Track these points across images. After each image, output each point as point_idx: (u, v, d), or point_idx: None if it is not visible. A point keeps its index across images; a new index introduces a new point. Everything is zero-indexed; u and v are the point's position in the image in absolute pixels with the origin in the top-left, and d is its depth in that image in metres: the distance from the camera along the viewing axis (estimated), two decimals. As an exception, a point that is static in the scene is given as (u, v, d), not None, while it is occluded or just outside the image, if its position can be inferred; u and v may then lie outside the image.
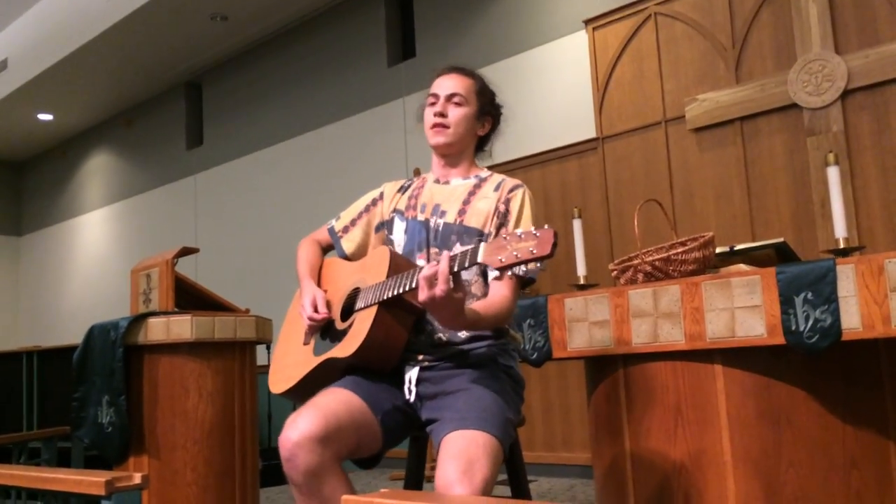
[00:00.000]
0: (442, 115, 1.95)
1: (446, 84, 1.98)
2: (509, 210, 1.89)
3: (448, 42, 5.85)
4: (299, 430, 1.59)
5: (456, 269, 1.55)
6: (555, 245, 1.41)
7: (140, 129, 8.73)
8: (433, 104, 1.98)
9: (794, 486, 1.92)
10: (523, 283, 1.85)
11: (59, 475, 1.74)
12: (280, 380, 1.96)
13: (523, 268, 1.46)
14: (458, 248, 1.85)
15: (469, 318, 1.65)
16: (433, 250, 1.90)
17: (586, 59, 4.97)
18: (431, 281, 1.55)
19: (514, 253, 1.44)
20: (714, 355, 2.02)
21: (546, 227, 1.45)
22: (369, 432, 1.72)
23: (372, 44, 6.42)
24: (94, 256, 9.25)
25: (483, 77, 2.05)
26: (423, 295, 1.56)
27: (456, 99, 1.96)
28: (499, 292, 1.80)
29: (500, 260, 1.45)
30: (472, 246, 1.58)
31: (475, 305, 1.73)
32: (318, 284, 2.01)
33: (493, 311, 1.75)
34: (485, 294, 1.85)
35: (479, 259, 1.50)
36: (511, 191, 1.92)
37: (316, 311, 1.90)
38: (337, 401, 1.70)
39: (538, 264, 1.54)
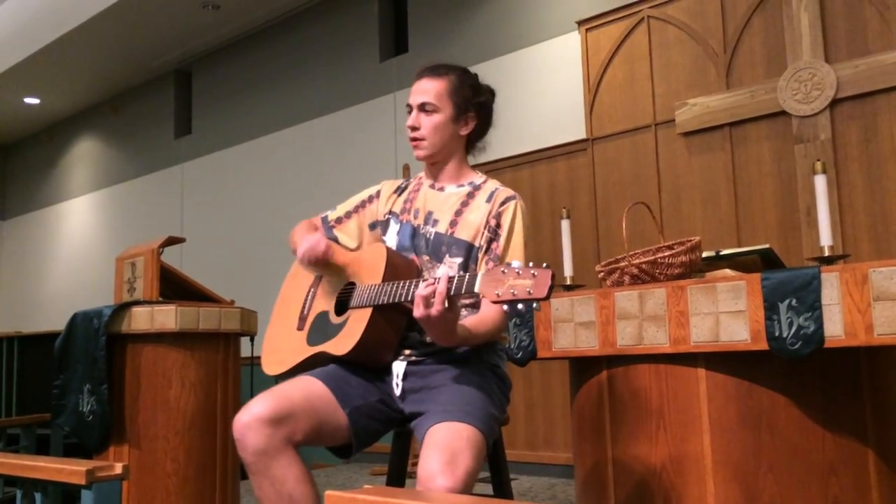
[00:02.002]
0: (415, 128, 1.92)
1: (417, 91, 1.93)
2: (500, 224, 1.87)
3: (441, 38, 5.85)
4: (250, 412, 1.64)
5: (452, 292, 1.58)
6: (551, 288, 1.43)
7: (128, 115, 8.66)
8: (409, 114, 1.94)
9: (772, 490, 1.94)
10: None
11: (38, 463, 1.73)
12: (273, 362, 1.99)
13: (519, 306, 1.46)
14: (448, 260, 1.87)
15: (460, 336, 1.68)
16: (424, 258, 1.91)
17: (578, 60, 4.98)
18: (428, 300, 1.58)
19: (512, 291, 1.46)
20: (698, 359, 2.04)
21: (545, 265, 1.45)
22: (330, 421, 1.73)
23: (365, 38, 6.40)
24: (77, 243, 9.17)
25: (460, 72, 1.95)
26: (418, 312, 1.60)
27: (427, 108, 1.90)
28: (491, 310, 1.79)
29: (497, 294, 1.48)
30: (470, 273, 1.62)
31: (466, 322, 1.75)
32: None
33: (483, 328, 1.77)
34: (473, 305, 1.86)
35: (476, 288, 1.53)
36: (503, 204, 1.89)
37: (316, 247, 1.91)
38: (295, 387, 1.74)
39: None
